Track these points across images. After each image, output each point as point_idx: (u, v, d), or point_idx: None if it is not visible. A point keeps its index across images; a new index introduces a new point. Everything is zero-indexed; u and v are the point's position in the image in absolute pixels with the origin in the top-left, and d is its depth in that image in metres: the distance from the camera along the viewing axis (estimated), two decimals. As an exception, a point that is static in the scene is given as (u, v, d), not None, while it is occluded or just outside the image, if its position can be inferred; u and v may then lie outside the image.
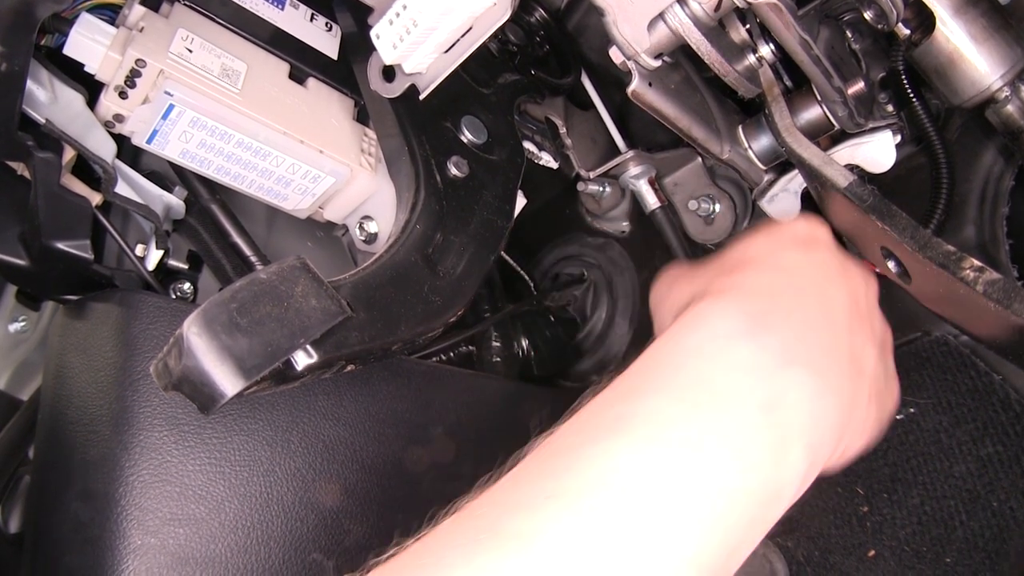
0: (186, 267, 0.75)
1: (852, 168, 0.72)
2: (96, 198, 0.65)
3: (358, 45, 0.74)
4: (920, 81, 0.68)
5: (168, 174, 0.75)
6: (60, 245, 0.60)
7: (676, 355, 0.42)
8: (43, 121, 0.62)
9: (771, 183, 0.82)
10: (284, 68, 0.73)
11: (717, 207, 0.95)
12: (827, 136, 0.75)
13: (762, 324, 0.43)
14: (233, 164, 0.69)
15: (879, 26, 0.64)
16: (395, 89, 0.69)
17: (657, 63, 0.64)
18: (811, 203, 0.72)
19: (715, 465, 0.37)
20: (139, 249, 0.69)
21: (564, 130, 0.99)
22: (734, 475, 0.38)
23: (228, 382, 0.44)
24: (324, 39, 0.78)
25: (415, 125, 0.70)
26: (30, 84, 0.60)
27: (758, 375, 0.41)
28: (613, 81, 0.99)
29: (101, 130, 0.66)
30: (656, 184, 0.99)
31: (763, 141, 0.80)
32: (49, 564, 0.59)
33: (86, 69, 0.63)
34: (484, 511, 0.37)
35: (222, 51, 0.68)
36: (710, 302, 0.44)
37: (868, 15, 0.64)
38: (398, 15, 0.61)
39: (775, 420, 0.39)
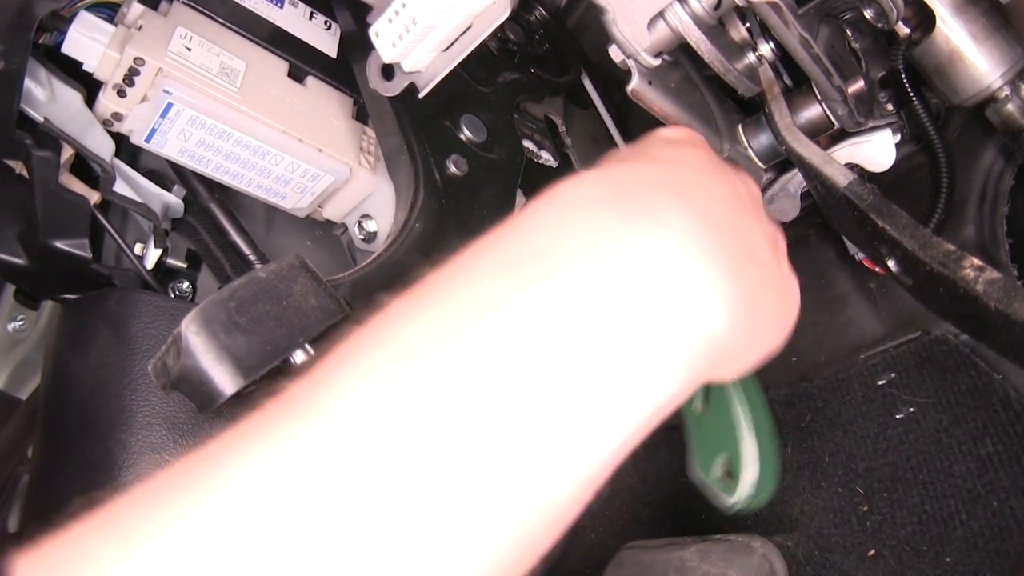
0: (185, 266, 0.75)
1: (852, 167, 0.72)
2: (94, 197, 0.65)
3: (357, 43, 0.74)
4: (920, 80, 0.68)
5: (167, 173, 0.75)
6: (58, 244, 0.60)
7: (518, 229, 0.35)
8: (41, 119, 0.61)
9: (770, 182, 0.82)
10: (283, 67, 0.73)
11: (717, 206, 0.95)
12: (827, 135, 0.75)
13: (629, 195, 0.35)
14: (232, 163, 0.69)
15: (879, 25, 0.64)
16: (394, 88, 0.69)
17: (657, 62, 0.64)
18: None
19: (563, 339, 0.30)
20: (138, 248, 0.69)
21: (564, 129, 0.99)
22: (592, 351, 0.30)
23: (227, 381, 0.44)
24: (323, 37, 0.78)
25: (414, 124, 0.70)
26: (28, 82, 0.60)
27: (621, 241, 0.33)
28: (613, 80, 0.99)
29: (99, 128, 0.65)
30: (656, 183, 0.98)
31: (763, 140, 0.80)
32: (47, 563, 0.58)
33: (84, 67, 0.63)
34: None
35: (221, 49, 0.67)
36: (565, 181, 0.36)
37: (868, 14, 0.64)
38: (397, 13, 0.61)
39: (647, 295, 0.32)
